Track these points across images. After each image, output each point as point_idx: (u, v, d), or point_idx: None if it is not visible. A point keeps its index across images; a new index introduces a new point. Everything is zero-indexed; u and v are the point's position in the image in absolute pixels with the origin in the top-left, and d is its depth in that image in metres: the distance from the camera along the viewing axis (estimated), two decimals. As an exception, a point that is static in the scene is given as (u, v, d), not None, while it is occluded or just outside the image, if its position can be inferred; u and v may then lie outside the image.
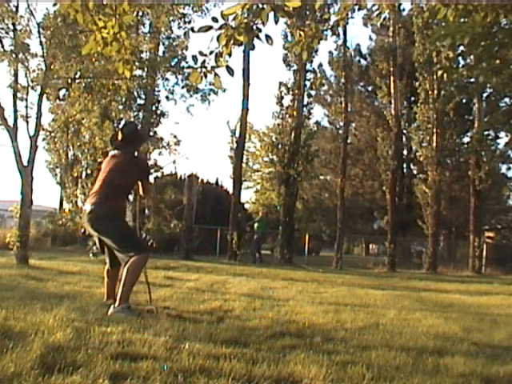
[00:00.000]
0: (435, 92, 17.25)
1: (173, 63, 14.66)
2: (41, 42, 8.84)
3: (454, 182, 20.73)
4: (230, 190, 17.78)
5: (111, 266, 4.35)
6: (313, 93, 17.62)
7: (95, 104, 11.08)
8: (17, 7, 9.00)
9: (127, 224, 4.53)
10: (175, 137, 16.07)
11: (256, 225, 15.74)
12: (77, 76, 9.72)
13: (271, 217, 17.05)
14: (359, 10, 4.15)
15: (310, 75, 17.03)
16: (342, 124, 19.86)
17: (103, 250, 4.32)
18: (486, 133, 19.54)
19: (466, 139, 22.42)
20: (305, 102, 17.00)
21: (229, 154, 26.00)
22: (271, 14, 2.93)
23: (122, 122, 4.41)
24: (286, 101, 17.09)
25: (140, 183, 4.33)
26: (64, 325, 2.94)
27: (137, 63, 10.58)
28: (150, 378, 2.09)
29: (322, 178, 28.61)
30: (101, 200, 4.04)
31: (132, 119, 15.91)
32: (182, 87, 16.88)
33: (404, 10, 19.58)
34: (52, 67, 8.94)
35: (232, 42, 3.01)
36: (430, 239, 17.62)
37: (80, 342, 2.58)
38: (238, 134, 16.96)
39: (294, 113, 16.66)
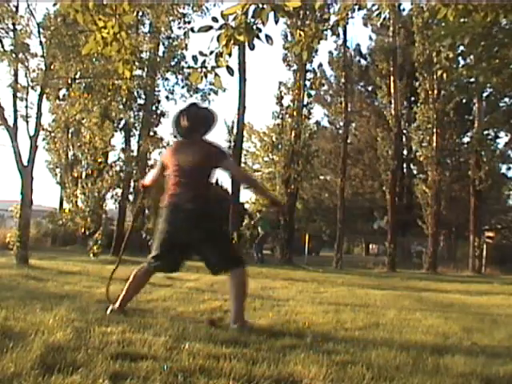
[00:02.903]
0: (435, 92, 17.25)
1: (173, 63, 14.66)
2: (41, 42, 8.84)
3: (454, 182, 20.73)
4: (230, 190, 17.77)
5: (171, 271, 3.84)
6: (313, 93, 17.61)
7: (95, 104, 11.08)
8: (17, 7, 9.00)
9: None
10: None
11: (260, 224, 15.66)
12: (77, 76, 9.72)
13: (271, 217, 17.03)
14: (359, 9, 4.15)
15: (309, 75, 17.03)
16: (341, 124, 19.87)
17: (168, 251, 3.59)
18: (485, 133, 19.55)
19: (466, 139, 22.45)
20: (305, 102, 17.00)
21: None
22: (271, 14, 2.93)
23: (185, 105, 3.74)
24: (286, 101, 17.10)
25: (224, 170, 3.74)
26: (64, 325, 2.94)
27: (137, 63, 10.59)
28: (150, 377, 2.09)
29: (321, 177, 28.61)
30: (195, 193, 3.57)
31: (132, 119, 15.92)
32: (182, 87, 16.88)
33: (404, 10, 19.58)
34: (52, 67, 8.94)
35: (232, 42, 3.01)
36: (429, 239, 17.62)
37: (80, 342, 2.58)
38: (235, 132, 16.93)
39: (294, 113, 16.66)
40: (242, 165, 32.08)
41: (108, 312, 3.57)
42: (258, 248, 15.14)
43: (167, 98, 17.14)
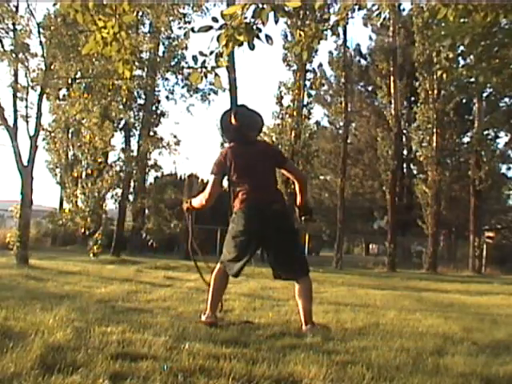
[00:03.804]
0: (435, 92, 17.26)
1: (173, 63, 14.66)
2: (41, 42, 8.85)
3: (454, 182, 20.73)
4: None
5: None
6: (313, 93, 17.65)
7: (95, 104, 11.09)
8: (17, 7, 9.01)
9: None
10: (175, 137, 16.06)
11: None
12: (77, 76, 9.73)
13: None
14: (359, 9, 4.15)
15: (310, 75, 17.08)
16: (341, 124, 19.87)
17: (245, 254, 3.56)
18: (485, 133, 19.57)
19: (466, 139, 22.46)
20: (305, 102, 17.01)
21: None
22: (271, 14, 2.93)
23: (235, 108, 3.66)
24: (286, 101, 17.12)
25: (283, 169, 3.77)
26: (64, 325, 2.94)
27: (137, 63, 10.59)
28: (150, 377, 2.09)
29: (321, 177, 28.61)
30: (273, 194, 3.59)
31: (132, 119, 15.91)
32: (182, 87, 16.90)
33: (404, 10, 19.60)
34: (52, 67, 8.95)
35: (232, 42, 3.01)
36: (429, 239, 17.63)
37: (80, 342, 2.58)
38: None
39: (294, 113, 16.67)
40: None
41: (202, 321, 3.50)
42: None
43: (167, 97, 17.19)
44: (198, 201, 3.89)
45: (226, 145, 4.01)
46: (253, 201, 3.51)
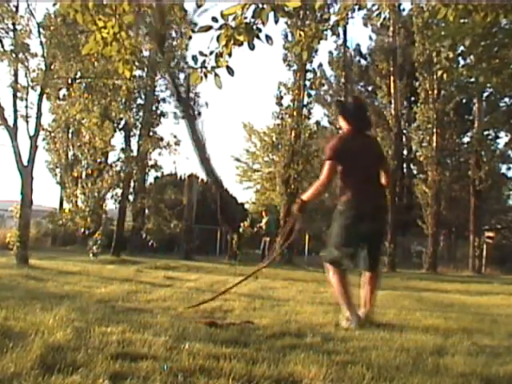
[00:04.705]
0: (435, 92, 17.26)
1: (173, 63, 14.66)
2: (41, 42, 8.85)
3: (454, 182, 20.72)
4: (231, 190, 17.81)
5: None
6: (313, 93, 17.62)
7: (95, 104, 11.09)
8: (17, 7, 9.01)
9: None
10: (175, 137, 16.07)
11: (265, 223, 15.55)
12: (77, 76, 9.73)
13: (274, 217, 17.01)
14: (359, 9, 4.16)
15: (310, 75, 17.03)
16: (342, 124, 19.81)
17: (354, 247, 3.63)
18: (486, 133, 19.57)
19: (466, 139, 22.45)
20: (305, 102, 17.00)
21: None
22: (271, 14, 2.93)
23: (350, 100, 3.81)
24: (286, 101, 17.10)
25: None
26: (64, 325, 2.94)
27: (137, 63, 10.58)
28: (150, 377, 2.09)
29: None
30: (380, 188, 3.66)
31: (132, 119, 15.90)
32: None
33: (404, 10, 19.60)
34: (52, 67, 8.95)
35: (232, 42, 3.01)
36: (429, 239, 17.62)
37: (80, 342, 2.58)
38: None
39: (294, 113, 16.65)
40: (243, 165, 32.18)
41: (350, 326, 3.53)
42: (268, 249, 15.03)
43: (163, 100, 17.17)
44: (314, 191, 3.86)
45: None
46: (363, 195, 3.52)
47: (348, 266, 3.60)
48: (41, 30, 8.84)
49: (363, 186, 3.54)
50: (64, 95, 11.33)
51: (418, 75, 17.48)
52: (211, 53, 3.08)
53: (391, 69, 18.29)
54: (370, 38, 30.90)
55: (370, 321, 3.65)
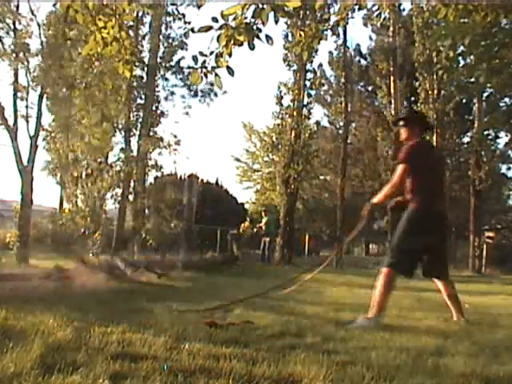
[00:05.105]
0: (435, 92, 17.26)
1: (173, 63, 14.66)
2: (41, 42, 8.85)
3: (454, 182, 20.73)
4: (231, 190, 17.81)
5: (411, 275, 4.03)
6: (313, 93, 17.62)
7: (95, 104, 11.08)
8: (17, 7, 9.01)
9: None
10: (175, 136, 16.06)
11: (264, 223, 15.53)
12: (77, 76, 9.73)
13: (274, 217, 17.01)
14: (359, 9, 4.16)
15: (310, 75, 17.03)
16: (341, 124, 19.85)
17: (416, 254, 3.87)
18: (486, 133, 19.55)
19: (466, 139, 22.46)
20: (305, 102, 16.99)
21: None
22: (271, 14, 2.93)
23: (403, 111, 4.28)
24: (286, 101, 17.09)
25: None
26: (64, 325, 2.94)
27: (137, 63, 10.59)
28: (150, 377, 2.09)
29: (321, 177, 28.59)
30: (443, 199, 3.92)
31: (132, 119, 15.91)
32: (182, 86, 16.90)
33: (404, 10, 19.61)
34: (52, 67, 8.95)
35: (232, 42, 3.01)
36: (430, 239, 17.58)
37: (80, 342, 2.57)
38: None
39: (294, 113, 16.65)
40: (243, 165, 32.17)
41: (365, 324, 3.64)
42: (271, 250, 15.03)
43: (165, 98, 17.17)
44: (386, 193, 4.04)
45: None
46: (433, 204, 3.75)
47: (409, 271, 3.86)
48: (41, 30, 8.86)
49: (433, 197, 3.76)
50: (64, 95, 11.32)
51: (417, 75, 17.48)
52: (211, 53, 3.08)
53: (391, 69, 18.29)
54: (370, 38, 30.90)
55: (466, 320, 4.02)
